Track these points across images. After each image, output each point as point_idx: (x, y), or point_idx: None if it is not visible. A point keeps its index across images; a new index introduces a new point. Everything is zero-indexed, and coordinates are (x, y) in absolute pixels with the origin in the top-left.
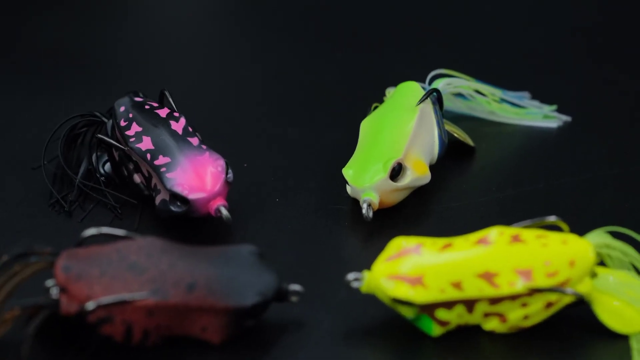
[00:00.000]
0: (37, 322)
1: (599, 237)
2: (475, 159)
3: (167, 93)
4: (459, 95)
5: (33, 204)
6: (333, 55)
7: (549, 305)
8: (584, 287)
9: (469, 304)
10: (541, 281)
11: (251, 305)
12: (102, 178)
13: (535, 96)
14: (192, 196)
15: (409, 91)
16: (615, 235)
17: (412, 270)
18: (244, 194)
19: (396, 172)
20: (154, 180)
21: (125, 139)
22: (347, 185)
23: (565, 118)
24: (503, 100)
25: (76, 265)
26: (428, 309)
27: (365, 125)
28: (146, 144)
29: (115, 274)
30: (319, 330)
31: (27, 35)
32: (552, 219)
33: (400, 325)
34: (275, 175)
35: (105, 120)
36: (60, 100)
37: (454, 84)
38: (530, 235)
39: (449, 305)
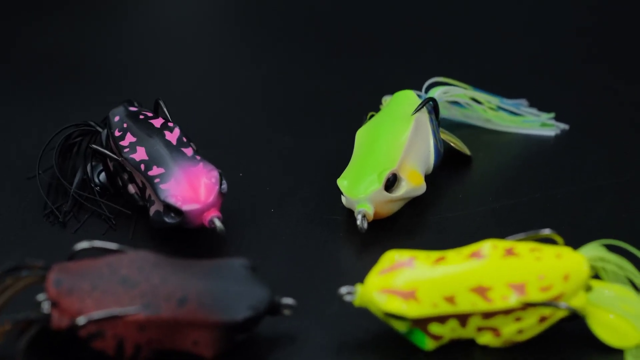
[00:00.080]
0: (28, 336)
1: (593, 251)
2: (472, 168)
3: (161, 103)
4: (456, 103)
5: (27, 214)
6: (330, 63)
7: (543, 319)
8: (578, 301)
9: (462, 319)
10: (535, 295)
11: (243, 320)
12: (97, 188)
13: (532, 104)
14: (185, 207)
15: (405, 100)
16: (611, 248)
17: (405, 284)
18: (239, 204)
19: (391, 182)
20: (148, 191)
21: (119, 150)
22: (342, 195)
23: (563, 126)
24: (500, 108)
25: (67, 279)
26: (421, 323)
27: (361, 135)
28: (140, 154)
29: (106, 288)
30: (311, 344)
31: (21, 43)
32: (546, 232)
33: (393, 339)
34: (271, 184)
35: (100, 129)
36: (56, 109)
37: (451, 93)
38: (524, 249)
39: (442, 319)
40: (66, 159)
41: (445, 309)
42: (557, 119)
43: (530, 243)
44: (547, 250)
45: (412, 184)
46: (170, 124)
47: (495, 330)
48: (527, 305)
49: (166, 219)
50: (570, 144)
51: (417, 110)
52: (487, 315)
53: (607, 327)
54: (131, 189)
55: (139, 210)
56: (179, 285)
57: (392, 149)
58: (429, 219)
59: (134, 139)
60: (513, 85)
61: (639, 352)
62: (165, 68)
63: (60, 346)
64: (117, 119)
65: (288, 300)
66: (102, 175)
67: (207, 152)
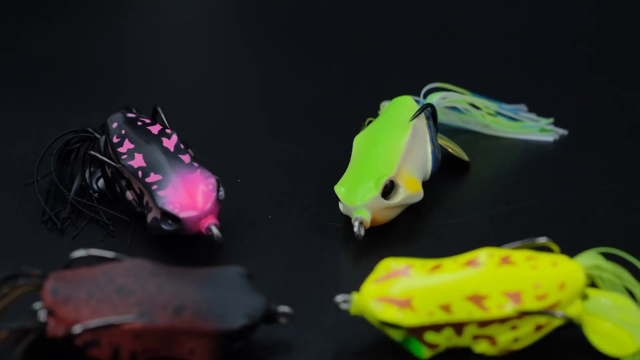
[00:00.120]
0: (24, 345)
1: (590, 259)
2: (470, 174)
3: (159, 109)
4: (454, 108)
5: (26, 220)
6: (329, 68)
7: (539, 327)
8: (574, 310)
9: (458, 327)
10: (530, 304)
11: (238, 328)
12: (96, 194)
13: (532, 109)
14: (183, 214)
15: (403, 106)
16: (609, 255)
17: (400, 292)
18: (237, 210)
19: (388, 189)
20: (146, 198)
21: (117, 156)
22: (339, 202)
23: (562, 131)
24: (499, 114)
25: (64, 287)
26: (417, 331)
27: (359, 141)
28: (138, 161)
29: (102, 297)
30: (307, 351)
31: (21, 48)
32: (542, 240)
33: (389, 347)
34: (269, 190)
35: (98, 136)
36: (55, 115)
37: (449, 98)
38: (520, 257)
39: (437, 328)
40: (65, 165)
41: (441, 317)
42: (556, 124)
43: (526, 251)
44: (543, 258)
45: (410, 190)
46: (168, 131)
47: (491, 339)
48: (523, 314)
49: (164, 226)
50: (569, 149)
51: (415, 116)
52: (483, 323)
53: (604, 335)
54: (129, 195)
55: (137, 216)
56: (175, 294)
57: (389, 155)
58: (427, 226)
59: (131, 146)
60: (512, 90)
61: None
62: (164, 73)
63: (56, 354)
64: (115, 125)
65: (284, 309)
66: (101, 182)
67: (206, 158)
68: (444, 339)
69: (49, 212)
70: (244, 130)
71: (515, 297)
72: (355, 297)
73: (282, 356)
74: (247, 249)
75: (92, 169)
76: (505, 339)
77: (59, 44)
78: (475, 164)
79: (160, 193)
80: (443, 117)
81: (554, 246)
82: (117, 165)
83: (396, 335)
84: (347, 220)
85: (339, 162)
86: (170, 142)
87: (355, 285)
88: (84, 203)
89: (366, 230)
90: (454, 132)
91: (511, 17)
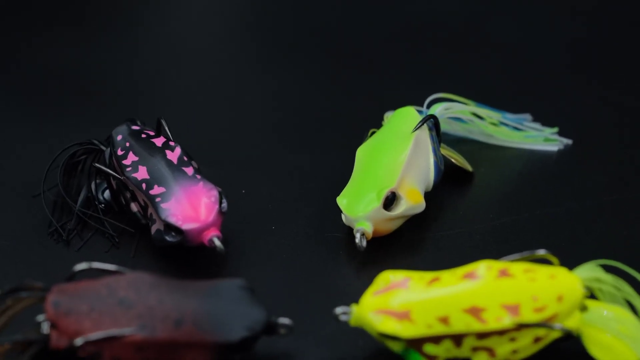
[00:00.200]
0: (27, 356)
1: (589, 271)
2: (474, 184)
3: (163, 122)
4: (458, 118)
5: (32, 232)
6: (333, 79)
7: (538, 339)
8: (572, 322)
9: (457, 339)
10: (528, 316)
11: (238, 340)
12: (102, 206)
13: (536, 118)
14: (185, 226)
15: (406, 117)
16: (610, 267)
17: (399, 305)
18: (241, 221)
19: (390, 201)
20: (150, 210)
21: (121, 168)
22: (342, 213)
23: (566, 141)
24: (502, 124)
25: (65, 301)
26: (415, 343)
27: (361, 153)
28: (142, 173)
29: (104, 310)
30: None
31: (26, 61)
32: (541, 252)
33: (389, 358)
34: (273, 201)
35: (104, 148)
36: (62, 126)
37: (453, 109)
38: (519, 270)
39: (436, 339)
40: (71, 177)
41: (439, 329)
42: (560, 133)
43: (525, 264)
44: (542, 271)
45: (411, 202)
46: (172, 143)
47: (490, 350)
48: (521, 326)
49: (167, 238)
50: (573, 159)
51: (417, 128)
52: (482, 335)
53: (603, 347)
54: (134, 207)
55: (141, 228)
56: (175, 307)
57: (391, 167)
58: (429, 237)
59: (136, 158)
60: (517, 100)
61: None
62: (171, 84)
63: None
64: (120, 137)
65: (284, 320)
66: (107, 193)
67: (213, 169)
68: (443, 351)
69: (55, 224)
70: (250, 141)
71: (514, 309)
72: (354, 309)
73: None
74: (250, 259)
75: (98, 180)
76: (504, 350)
77: (66, 56)
78: (479, 173)
79: (163, 205)
80: (446, 127)
81: (553, 259)
82: (122, 178)
83: (396, 347)
84: (350, 231)
85: (344, 173)
86: (173, 155)
87: (357, 296)
88: (90, 214)
89: (368, 242)
90: (458, 142)
91: (516, 27)
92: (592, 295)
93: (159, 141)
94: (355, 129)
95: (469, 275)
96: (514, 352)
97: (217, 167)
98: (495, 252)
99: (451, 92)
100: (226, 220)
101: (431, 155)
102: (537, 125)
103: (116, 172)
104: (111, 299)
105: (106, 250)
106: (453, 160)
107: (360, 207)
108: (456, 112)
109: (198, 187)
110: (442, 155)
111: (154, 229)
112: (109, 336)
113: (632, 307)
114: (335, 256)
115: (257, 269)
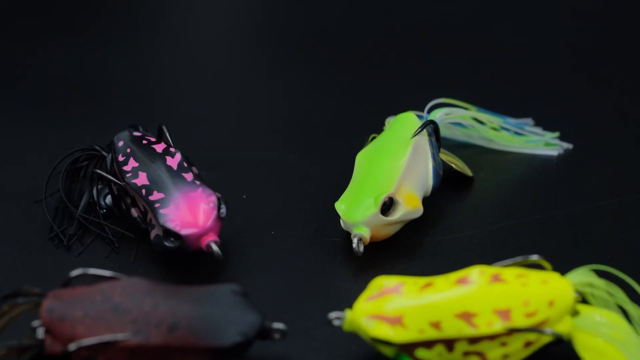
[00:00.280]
0: None
1: (581, 276)
2: (473, 189)
3: (164, 128)
4: (458, 123)
5: (34, 237)
6: (334, 84)
7: (529, 344)
8: (563, 327)
9: (449, 344)
10: (520, 321)
11: (232, 345)
12: (103, 211)
13: (537, 123)
14: (184, 232)
15: (406, 123)
16: (604, 273)
17: (392, 310)
18: (241, 226)
19: (387, 206)
20: (149, 215)
21: (122, 174)
22: (340, 218)
23: (567, 145)
24: (503, 128)
25: (60, 307)
26: (408, 348)
27: (361, 158)
28: (142, 179)
29: (98, 315)
30: None
31: (29, 68)
32: (534, 257)
33: None
34: (273, 206)
35: (105, 154)
36: (64, 132)
37: (453, 114)
38: (511, 275)
39: (428, 344)
40: (73, 183)
41: (431, 334)
42: (561, 138)
43: (517, 269)
44: (534, 276)
45: (409, 207)
46: (172, 149)
47: (481, 355)
48: (512, 331)
49: (166, 243)
50: (573, 164)
51: (416, 133)
52: (473, 340)
53: (594, 352)
54: (134, 212)
55: (141, 233)
56: (169, 312)
57: (389, 172)
58: (427, 242)
59: (136, 164)
60: (518, 104)
61: None
62: (174, 90)
63: None
64: (121, 143)
65: (279, 325)
66: (109, 198)
67: (214, 174)
68: (435, 355)
69: (55, 229)
70: (251, 146)
71: (505, 314)
72: (348, 314)
73: None
74: (249, 264)
75: (100, 186)
76: (495, 355)
77: (69, 62)
78: (479, 178)
79: (162, 211)
80: (447, 132)
81: (546, 264)
82: (122, 184)
83: (388, 352)
84: (348, 235)
85: (344, 178)
86: (173, 161)
87: (354, 301)
88: (91, 220)
89: (366, 246)
90: (458, 147)
91: (517, 31)
92: (584, 300)
93: (159, 147)
94: (357, 134)
95: (462, 281)
96: (505, 356)
97: (220, 172)
98: (493, 256)
99: (454, 96)
100: (226, 224)
101: (430, 161)
102: (538, 130)
103: (117, 178)
104: (106, 305)
105: (106, 256)
106: (453, 165)
107: (358, 212)
108: (457, 117)
109: (197, 193)
110: (442, 160)
111: (153, 234)
112: (102, 342)
113: (624, 313)
114: (333, 261)
115: (256, 273)
